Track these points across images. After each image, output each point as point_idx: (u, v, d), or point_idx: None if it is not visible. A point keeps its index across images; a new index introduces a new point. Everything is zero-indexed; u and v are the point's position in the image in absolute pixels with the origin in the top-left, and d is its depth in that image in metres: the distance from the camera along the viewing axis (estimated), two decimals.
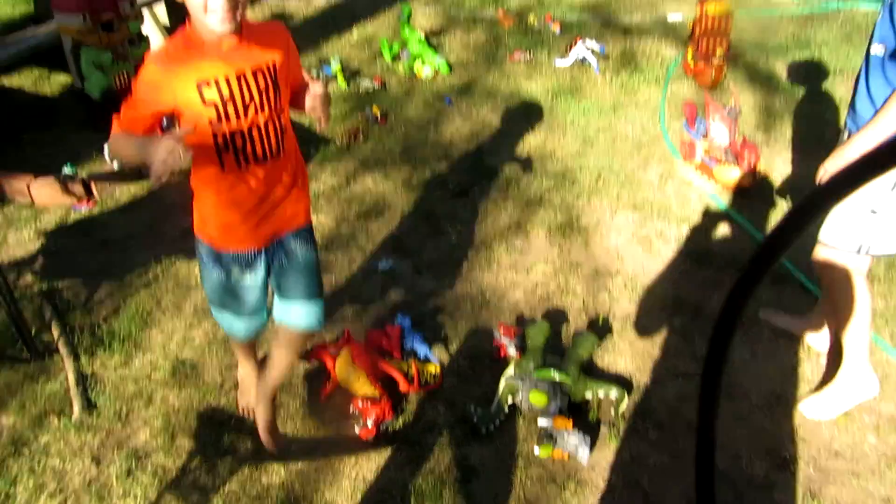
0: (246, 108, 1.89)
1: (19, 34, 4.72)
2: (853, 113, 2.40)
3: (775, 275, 3.17)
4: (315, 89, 2.02)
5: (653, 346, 2.85)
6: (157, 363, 2.79)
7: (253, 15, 6.31)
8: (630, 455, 2.40)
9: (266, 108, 1.93)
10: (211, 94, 1.83)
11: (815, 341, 2.81)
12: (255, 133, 1.94)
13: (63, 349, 2.82)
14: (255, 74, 1.89)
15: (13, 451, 2.43)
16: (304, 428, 2.51)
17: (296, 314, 2.19)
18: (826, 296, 2.60)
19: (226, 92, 1.84)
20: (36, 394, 2.65)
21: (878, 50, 2.24)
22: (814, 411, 2.54)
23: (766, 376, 2.70)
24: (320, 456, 2.41)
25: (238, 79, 1.86)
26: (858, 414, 2.55)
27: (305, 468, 2.36)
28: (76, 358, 2.79)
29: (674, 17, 5.94)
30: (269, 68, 1.93)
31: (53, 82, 5.11)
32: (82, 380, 2.70)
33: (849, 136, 2.41)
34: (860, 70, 2.37)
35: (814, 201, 0.48)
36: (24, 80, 5.14)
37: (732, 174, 3.75)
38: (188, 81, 1.81)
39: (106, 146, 2.13)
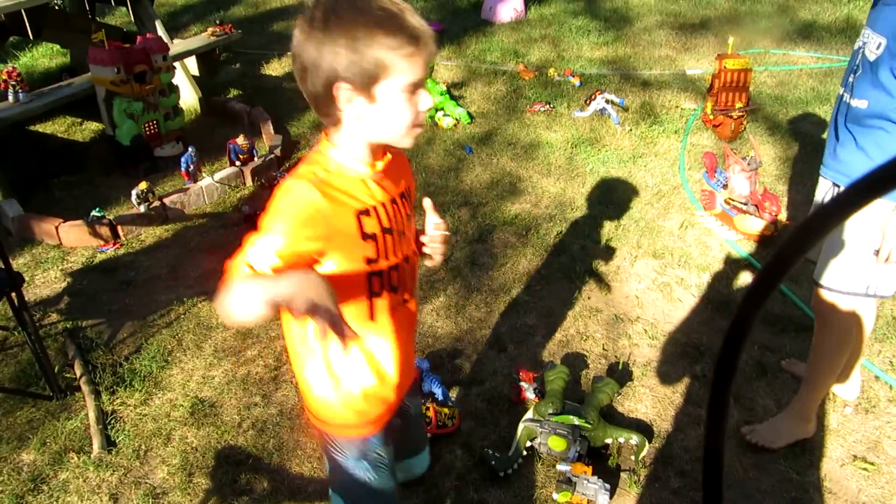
0: (401, 237, 1.50)
1: (55, 84, 4.91)
2: (837, 162, 2.27)
3: (799, 324, 3.14)
4: (436, 222, 1.63)
5: (674, 393, 2.82)
6: (176, 402, 2.80)
7: (279, 66, 6.52)
8: (651, 502, 2.34)
9: (409, 236, 1.55)
10: (371, 225, 1.41)
11: (841, 390, 2.76)
12: (405, 267, 1.54)
13: (85, 387, 2.85)
14: (402, 198, 1.51)
15: (32, 488, 2.44)
16: (321, 469, 2.49)
17: (417, 466, 1.99)
18: (822, 338, 2.46)
19: (385, 221, 1.44)
20: (57, 431, 2.67)
21: (859, 104, 2.15)
22: (757, 436, 2.54)
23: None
24: None
25: (392, 204, 1.47)
26: (887, 466, 2.49)
27: None
28: (97, 396, 2.82)
29: (693, 71, 6.03)
30: (408, 190, 1.57)
31: (85, 129, 5.28)
32: (103, 417, 2.72)
33: (838, 189, 2.26)
34: (834, 116, 2.29)
35: (807, 230, 0.50)
36: (58, 126, 5.33)
37: (753, 224, 3.75)
38: (348, 212, 1.39)
39: (222, 304, 1.25)
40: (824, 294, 2.34)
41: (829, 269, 2.29)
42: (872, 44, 2.09)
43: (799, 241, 0.51)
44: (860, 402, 2.75)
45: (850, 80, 2.21)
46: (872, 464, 2.49)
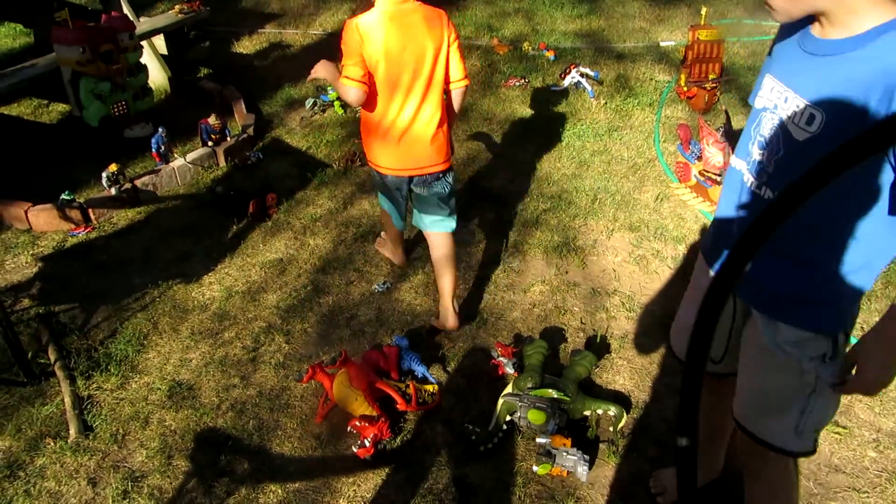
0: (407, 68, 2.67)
1: (19, 65, 4.77)
2: (749, 283, 1.59)
3: None
4: None
5: (651, 364, 2.85)
6: (153, 385, 2.78)
7: (250, 44, 6.41)
8: (629, 472, 2.38)
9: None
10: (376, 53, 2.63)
11: None
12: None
13: (59, 372, 2.81)
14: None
15: (9, 475, 2.41)
16: (301, 448, 2.49)
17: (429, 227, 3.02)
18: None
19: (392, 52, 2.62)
20: (32, 417, 2.64)
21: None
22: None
23: None
24: (318, 476, 2.39)
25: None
26: (858, 430, 2.54)
27: (303, 488, 2.34)
28: (73, 381, 2.78)
29: (666, 43, 6.03)
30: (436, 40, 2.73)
31: (52, 111, 5.16)
32: (79, 402, 2.68)
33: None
34: (735, 204, 1.60)
35: (774, 211, 0.50)
36: (24, 109, 5.20)
37: None
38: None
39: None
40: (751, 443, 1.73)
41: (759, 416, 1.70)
42: (796, 113, 1.41)
43: (763, 226, 0.51)
44: None
45: (758, 157, 1.51)
46: (844, 428, 2.55)
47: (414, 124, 2.70)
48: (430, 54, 2.62)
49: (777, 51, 1.54)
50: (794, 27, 1.46)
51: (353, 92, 2.57)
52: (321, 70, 2.68)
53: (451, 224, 2.97)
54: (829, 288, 1.49)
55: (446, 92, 2.79)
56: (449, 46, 2.68)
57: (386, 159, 2.79)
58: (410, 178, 2.85)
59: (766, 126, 1.49)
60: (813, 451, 1.68)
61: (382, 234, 3.55)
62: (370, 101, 2.66)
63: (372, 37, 2.53)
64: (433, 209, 2.92)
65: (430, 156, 2.77)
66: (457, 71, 2.75)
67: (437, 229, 2.96)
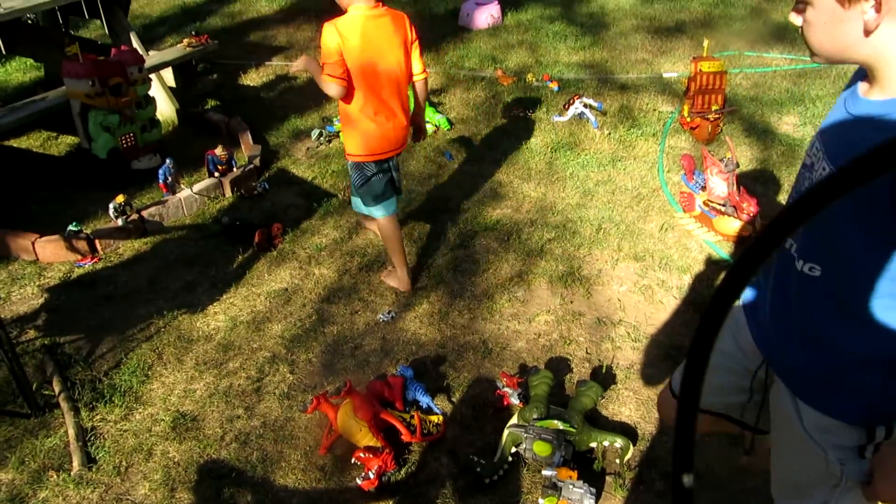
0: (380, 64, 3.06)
1: (29, 98, 4.85)
2: (769, 345, 1.49)
3: None
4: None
5: (657, 395, 2.82)
6: (157, 416, 2.77)
7: (257, 76, 6.49)
8: None
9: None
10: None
11: None
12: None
13: (64, 404, 2.81)
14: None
15: None
16: (305, 480, 2.47)
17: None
18: None
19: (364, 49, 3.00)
20: (36, 449, 2.63)
21: (809, 270, 1.31)
22: None
23: None
24: None
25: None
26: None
27: None
28: (76, 412, 2.78)
29: (669, 74, 6.09)
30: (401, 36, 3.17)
31: (61, 143, 5.23)
32: (82, 434, 2.68)
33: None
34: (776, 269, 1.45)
35: (772, 231, 0.50)
36: (33, 141, 5.26)
37: (732, 225, 3.78)
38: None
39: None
40: None
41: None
42: (819, 174, 1.31)
43: (766, 240, 0.51)
44: None
45: None
46: None
47: (391, 112, 3.15)
48: (399, 51, 3.08)
49: (835, 104, 1.37)
50: (858, 76, 1.32)
51: (334, 87, 2.96)
52: (303, 63, 3.07)
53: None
54: (855, 376, 1.30)
55: (411, 84, 3.29)
56: (411, 44, 3.15)
57: (373, 145, 3.19)
58: (390, 162, 3.33)
59: (802, 186, 1.40)
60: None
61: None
62: (349, 95, 3.04)
63: (350, 37, 2.92)
64: (397, 190, 3.48)
65: (403, 137, 3.30)
66: (417, 66, 3.23)
67: (397, 209, 3.50)
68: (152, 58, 5.47)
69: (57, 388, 2.89)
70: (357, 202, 3.57)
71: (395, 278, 3.51)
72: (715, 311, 0.55)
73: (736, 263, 0.53)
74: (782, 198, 4.24)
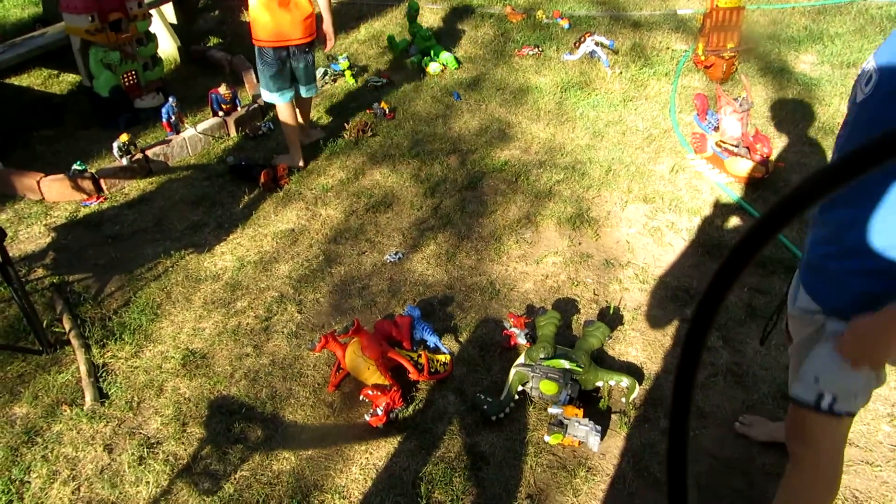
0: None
1: (28, 35, 4.75)
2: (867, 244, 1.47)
3: (788, 266, 3.14)
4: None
5: (664, 336, 2.83)
6: (167, 354, 2.80)
7: None
8: (640, 443, 2.38)
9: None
10: None
11: None
12: None
13: (74, 341, 2.84)
14: None
15: (27, 440, 2.44)
16: (314, 416, 2.51)
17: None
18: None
19: None
20: (48, 384, 2.66)
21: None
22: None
23: (779, 366, 2.67)
24: (331, 443, 2.40)
25: None
26: (873, 404, 2.52)
27: (316, 455, 2.36)
28: (87, 349, 2.80)
29: (684, 11, 5.91)
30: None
31: (62, 81, 5.15)
32: (94, 370, 2.71)
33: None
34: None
35: (801, 194, 0.46)
36: (34, 79, 5.18)
37: (744, 166, 3.72)
38: None
39: None
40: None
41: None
42: (864, 75, 1.41)
43: (789, 206, 0.48)
44: None
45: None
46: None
47: (288, 4, 3.62)
48: None
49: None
50: None
51: None
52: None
53: (315, 90, 4.10)
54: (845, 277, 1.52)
55: None
56: None
57: (271, 33, 3.66)
58: (289, 51, 3.76)
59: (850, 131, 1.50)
60: (815, 408, 1.60)
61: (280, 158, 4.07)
62: None
63: None
64: (307, 78, 3.97)
65: (303, 30, 3.71)
66: None
67: (309, 94, 4.08)
68: None
69: (67, 326, 2.91)
70: (264, 91, 3.95)
71: (288, 157, 4.01)
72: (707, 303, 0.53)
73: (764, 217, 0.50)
74: (796, 138, 4.16)
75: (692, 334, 0.57)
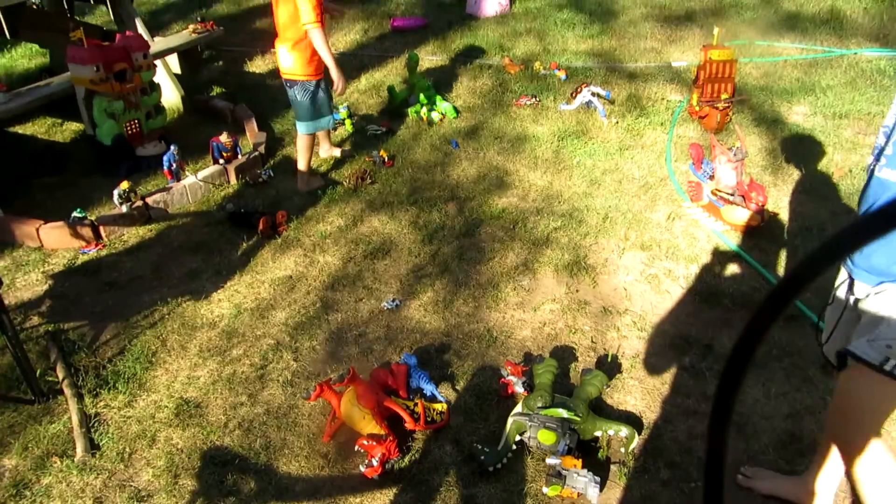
0: None
1: (34, 84, 4.84)
2: (864, 258, 1.82)
3: (787, 314, 3.13)
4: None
5: (662, 384, 2.80)
6: (161, 403, 2.76)
7: (262, 63, 6.46)
8: (640, 494, 2.33)
9: None
10: None
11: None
12: None
13: (67, 390, 2.81)
14: None
15: (14, 494, 2.39)
16: (308, 467, 2.46)
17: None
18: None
19: None
20: (39, 435, 2.63)
21: (890, 175, 1.76)
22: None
23: (779, 415, 2.64)
24: (325, 495, 2.36)
25: None
26: None
27: None
28: (80, 398, 2.77)
29: (678, 63, 6.03)
30: None
31: (66, 130, 5.22)
32: (86, 420, 2.67)
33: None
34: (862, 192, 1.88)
35: (838, 243, 0.47)
36: (38, 128, 5.26)
37: (740, 214, 3.74)
38: None
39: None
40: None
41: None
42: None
43: (811, 265, 0.49)
44: None
45: (884, 144, 1.78)
46: None
47: None
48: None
49: None
50: None
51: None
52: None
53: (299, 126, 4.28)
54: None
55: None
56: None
57: (318, 68, 4.12)
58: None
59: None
60: (878, 368, 1.70)
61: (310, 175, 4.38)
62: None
63: None
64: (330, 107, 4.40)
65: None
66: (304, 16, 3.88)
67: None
68: (158, 44, 5.44)
69: (60, 375, 2.88)
70: (309, 125, 4.20)
71: (301, 179, 4.34)
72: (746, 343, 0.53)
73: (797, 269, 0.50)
74: (790, 187, 4.20)
75: (722, 394, 0.56)
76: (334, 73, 4.09)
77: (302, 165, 4.30)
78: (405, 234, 3.84)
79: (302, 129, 4.20)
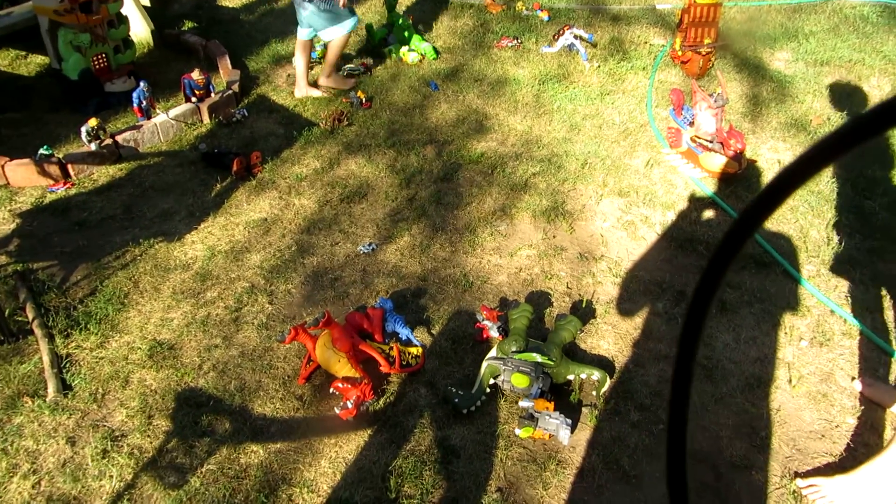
0: None
1: None
2: None
3: (759, 261, 3.17)
4: None
5: (635, 329, 2.84)
6: (134, 345, 2.75)
7: None
8: (611, 436, 2.38)
9: None
10: None
11: None
12: None
13: (38, 330, 2.77)
14: None
15: None
16: (283, 409, 2.48)
17: None
18: None
19: None
20: (9, 375, 2.60)
21: None
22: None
23: (748, 360, 2.70)
24: (300, 437, 2.38)
25: None
26: (839, 397, 2.56)
27: (284, 448, 2.33)
28: (51, 339, 2.74)
29: (662, 6, 5.92)
30: None
31: (30, 63, 5.02)
32: (57, 361, 2.65)
33: None
34: None
35: (788, 178, 0.46)
36: (1, 60, 5.05)
37: (718, 161, 3.74)
38: None
39: None
40: None
41: None
42: None
43: (766, 199, 0.48)
44: (815, 335, 2.81)
45: None
46: (826, 395, 2.56)
47: None
48: None
49: None
50: None
51: None
52: None
53: None
54: None
55: None
56: None
57: None
58: None
59: None
60: None
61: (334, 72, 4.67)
62: None
63: None
64: None
65: None
66: None
67: None
68: None
69: (30, 315, 2.84)
70: (344, 25, 4.43)
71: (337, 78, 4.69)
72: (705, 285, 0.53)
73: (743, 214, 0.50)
74: (770, 135, 4.19)
75: (687, 334, 0.57)
76: None
77: (331, 65, 4.60)
78: (382, 178, 3.79)
79: (331, 34, 4.45)
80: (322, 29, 4.45)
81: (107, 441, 2.35)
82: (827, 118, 4.33)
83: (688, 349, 0.58)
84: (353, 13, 4.49)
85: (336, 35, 4.48)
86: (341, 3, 4.32)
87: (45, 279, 3.06)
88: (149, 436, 2.38)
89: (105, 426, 2.41)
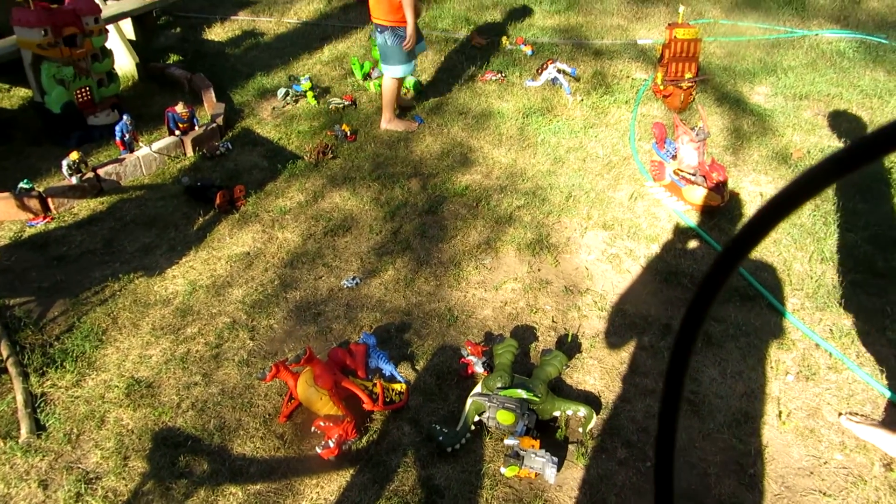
0: None
1: None
2: None
3: (744, 294, 3.17)
4: None
5: (621, 364, 2.82)
6: (111, 383, 2.68)
7: (222, 31, 6.27)
8: (598, 473, 2.34)
9: None
10: None
11: None
12: None
13: (12, 369, 2.71)
14: None
15: None
16: (264, 448, 2.42)
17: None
18: None
19: None
20: None
21: None
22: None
23: (735, 394, 2.68)
24: (280, 477, 2.32)
25: None
26: (826, 433, 2.54)
27: (264, 490, 2.27)
28: (25, 378, 2.68)
29: (644, 41, 6.01)
30: None
31: (13, 96, 5.00)
32: (31, 400, 2.58)
33: None
34: None
35: (771, 211, 0.46)
36: None
37: (700, 193, 3.76)
38: None
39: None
40: None
41: None
42: None
43: (753, 229, 0.48)
44: (801, 369, 2.80)
45: None
46: (813, 431, 2.54)
47: None
48: None
49: None
50: None
51: None
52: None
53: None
54: None
55: None
56: None
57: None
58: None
59: None
60: None
61: (394, 116, 4.63)
62: None
63: None
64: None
65: None
66: None
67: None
68: (110, 7, 5.22)
69: (5, 353, 2.78)
70: (402, 68, 4.43)
71: (398, 122, 4.63)
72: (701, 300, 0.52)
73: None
74: (751, 168, 4.23)
75: (673, 369, 0.56)
76: (410, 27, 4.25)
77: (388, 109, 4.57)
78: (367, 211, 3.77)
79: (391, 73, 4.44)
80: (382, 63, 4.48)
81: (80, 484, 2.28)
82: (807, 151, 4.38)
83: (674, 385, 0.56)
84: (409, 60, 4.43)
85: (387, 74, 4.47)
86: (405, 45, 4.30)
87: (22, 315, 3.00)
88: (124, 478, 2.31)
89: (79, 468, 2.34)
